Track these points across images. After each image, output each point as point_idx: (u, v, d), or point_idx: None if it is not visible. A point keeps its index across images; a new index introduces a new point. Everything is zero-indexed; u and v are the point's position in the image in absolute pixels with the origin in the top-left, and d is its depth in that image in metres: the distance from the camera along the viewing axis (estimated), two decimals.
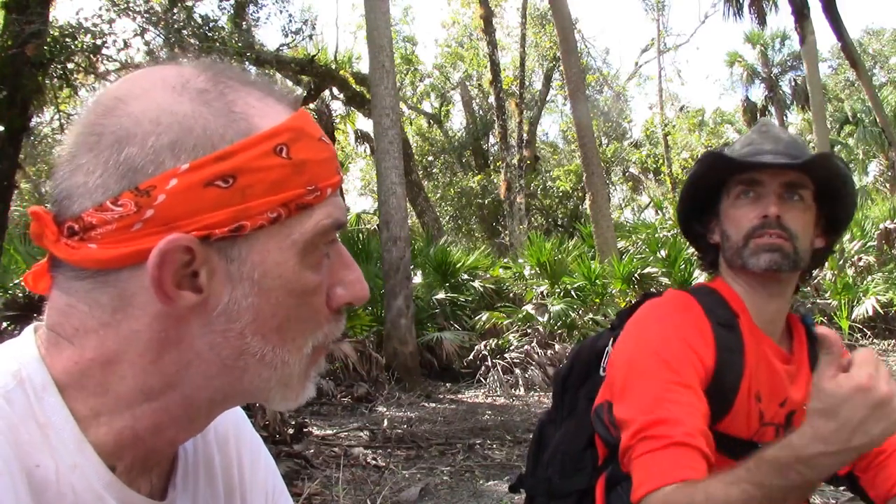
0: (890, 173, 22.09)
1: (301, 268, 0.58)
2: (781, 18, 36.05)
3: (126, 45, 7.20)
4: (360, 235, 11.10)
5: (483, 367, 8.65)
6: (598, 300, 9.93)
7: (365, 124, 20.92)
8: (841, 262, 11.56)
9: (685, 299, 1.33)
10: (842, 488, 1.38)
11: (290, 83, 17.22)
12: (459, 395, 8.21)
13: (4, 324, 5.91)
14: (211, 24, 7.82)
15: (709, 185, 1.36)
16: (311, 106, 17.19)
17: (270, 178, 0.55)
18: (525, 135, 21.35)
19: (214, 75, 0.58)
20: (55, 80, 6.56)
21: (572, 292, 9.95)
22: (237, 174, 0.54)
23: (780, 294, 1.32)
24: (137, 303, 0.55)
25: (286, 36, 11.89)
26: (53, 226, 0.56)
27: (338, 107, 19.34)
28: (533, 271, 10.89)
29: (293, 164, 0.57)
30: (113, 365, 0.56)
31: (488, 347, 8.92)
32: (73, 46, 6.51)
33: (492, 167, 23.15)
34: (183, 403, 0.59)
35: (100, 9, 7.00)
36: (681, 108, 30.85)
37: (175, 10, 7.80)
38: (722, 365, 1.23)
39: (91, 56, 6.76)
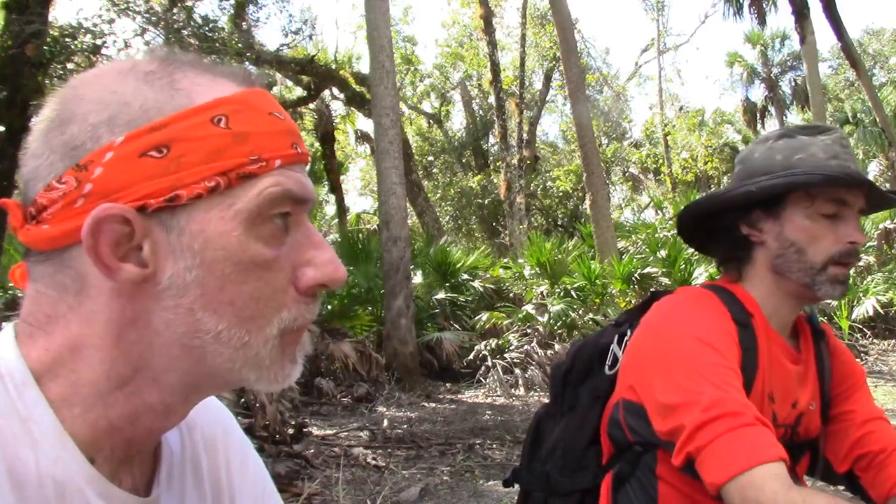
0: (890, 173, 22.07)
1: (247, 239, 0.56)
2: (781, 18, 36.15)
3: (126, 45, 7.20)
4: (360, 235, 11.10)
5: (483, 367, 8.66)
6: (598, 300, 9.93)
7: (365, 124, 20.94)
8: None
9: (707, 294, 1.31)
10: (841, 488, 1.37)
11: (290, 83, 17.23)
12: (459, 395, 8.21)
13: (4, 324, 5.91)
14: (211, 25, 7.82)
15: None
16: (311, 106, 17.19)
17: (206, 147, 0.55)
18: (525, 135, 21.35)
19: (165, 60, 0.59)
20: (55, 80, 6.55)
21: (572, 292, 9.95)
22: (171, 144, 0.54)
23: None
24: (91, 282, 0.56)
25: (286, 36, 11.92)
26: (20, 214, 0.57)
27: (338, 107, 19.34)
28: (533, 271, 10.88)
29: (233, 134, 0.56)
30: (80, 350, 0.56)
31: (488, 347, 8.92)
32: (73, 46, 6.51)
33: (492, 167, 23.15)
34: (154, 388, 0.58)
35: (100, 9, 7.00)
36: (680, 108, 30.84)
37: (175, 10, 7.81)
38: (742, 362, 1.22)
39: (91, 56, 6.75)
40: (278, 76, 15.31)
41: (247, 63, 9.00)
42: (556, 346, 8.75)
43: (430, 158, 25.36)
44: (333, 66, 16.70)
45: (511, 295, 10.95)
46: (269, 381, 0.60)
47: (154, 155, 0.54)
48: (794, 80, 28.00)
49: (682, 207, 1.42)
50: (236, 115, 0.56)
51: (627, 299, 10.01)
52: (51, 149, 0.55)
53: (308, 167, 0.64)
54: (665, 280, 9.98)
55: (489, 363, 8.65)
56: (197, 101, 0.56)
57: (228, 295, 0.56)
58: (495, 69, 19.26)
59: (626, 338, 1.35)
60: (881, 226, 11.91)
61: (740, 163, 1.37)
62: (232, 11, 9.74)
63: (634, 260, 10.57)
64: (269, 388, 0.61)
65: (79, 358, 0.56)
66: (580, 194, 22.24)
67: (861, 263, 11.56)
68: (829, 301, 10.81)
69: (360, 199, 29.50)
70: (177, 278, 0.55)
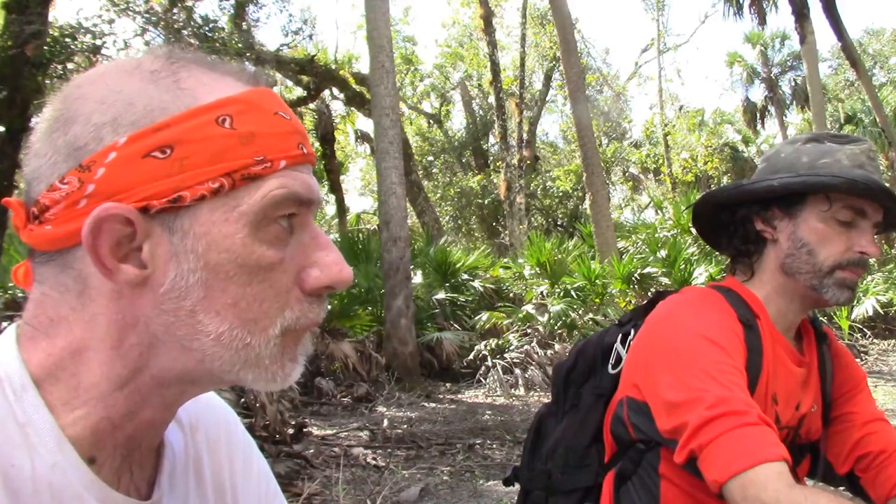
0: (890, 173, 22.08)
1: (252, 241, 0.56)
2: (781, 18, 36.14)
3: (126, 45, 7.20)
4: (360, 235, 11.11)
5: (483, 367, 8.66)
6: (598, 300, 9.93)
7: (365, 124, 20.98)
8: None
9: (713, 294, 1.31)
10: (841, 488, 1.37)
11: (290, 83, 17.24)
12: (459, 395, 8.21)
13: (4, 324, 5.91)
14: (211, 25, 7.83)
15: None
16: (311, 106, 17.20)
17: (211, 148, 0.54)
18: (525, 135, 21.36)
19: (170, 58, 0.58)
20: (55, 80, 6.55)
21: (572, 292, 9.95)
22: (175, 144, 0.54)
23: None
24: (93, 284, 0.55)
25: (286, 36, 11.92)
26: (23, 214, 0.57)
27: (338, 107, 19.36)
28: (533, 271, 10.89)
29: (238, 135, 0.55)
30: (81, 353, 0.56)
31: (488, 347, 8.92)
32: (73, 46, 6.51)
33: (492, 167, 23.16)
34: (153, 385, 0.58)
35: (100, 9, 7.01)
36: (680, 108, 30.83)
37: (175, 10, 7.81)
38: (747, 363, 1.21)
39: (91, 56, 6.76)
40: (278, 76, 15.31)
41: (247, 63, 9.00)
42: (556, 346, 8.75)
43: (430, 158, 25.37)
44: (333, 66, 16.71)
45: (511, 295, 10.95)
46: (267, 380, 0.59)
47: (157, 156, 0.53)
48: (794, 80, 28.05)
49: (702, 195, 1.41)
50: (241, 116, 0.56)
51: (627, 299, 10.01)
52: (54, 149, 0.55)
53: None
54: (665, 280, 9.98)
55: (489, 363, 8.65)
56: (202, 101, 0.55)
57: (232, 297, 0.56)
58: (495, 69, 19.27)
59: (629, 337, 1.35)
60: None
61: (765, 161, 1.37)
62: (232, 11, 9.75)
63: (634, 260, 10.57)
64: (266, 388, 0.60)
65: (80, 361, 0.56)
66: (580, 194, 22.26)
67: None
68: None
69: (360, 199, 29.57)
70: (179, 280, 0.55)
